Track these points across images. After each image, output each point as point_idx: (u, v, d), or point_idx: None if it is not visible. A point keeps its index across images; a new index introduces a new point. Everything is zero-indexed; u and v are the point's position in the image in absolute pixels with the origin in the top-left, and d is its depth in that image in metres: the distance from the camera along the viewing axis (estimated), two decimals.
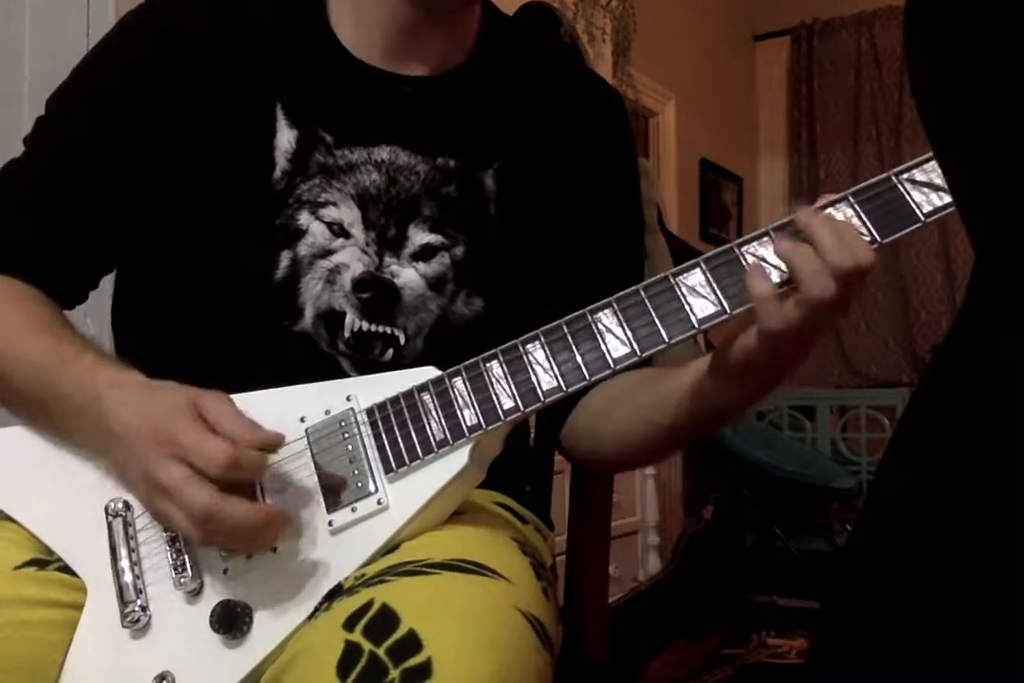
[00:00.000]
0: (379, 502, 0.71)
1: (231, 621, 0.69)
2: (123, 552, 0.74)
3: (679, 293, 0.67)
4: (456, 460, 0.70)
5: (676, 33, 4.10)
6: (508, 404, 0.70)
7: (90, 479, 0.78)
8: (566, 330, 0.70)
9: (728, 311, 0.67)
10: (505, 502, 0.89)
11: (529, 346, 0.70)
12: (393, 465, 0.71)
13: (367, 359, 0.85)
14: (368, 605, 0.62)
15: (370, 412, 0.73)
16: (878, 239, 0.65)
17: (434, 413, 0.71)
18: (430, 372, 0.73)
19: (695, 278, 0.68)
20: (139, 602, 0.72)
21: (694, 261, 0.68)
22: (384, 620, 0.61)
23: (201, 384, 0.74)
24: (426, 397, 0.72)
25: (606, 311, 0.69)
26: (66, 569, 0.76)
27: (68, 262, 0.88)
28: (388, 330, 0.85)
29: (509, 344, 0.71)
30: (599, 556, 1.04)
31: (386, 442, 0.72)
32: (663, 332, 0.67)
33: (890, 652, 0.47)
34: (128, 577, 0.73)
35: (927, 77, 0.44)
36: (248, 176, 0.85)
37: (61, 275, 0.88)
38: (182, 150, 0.85)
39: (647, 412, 0.81)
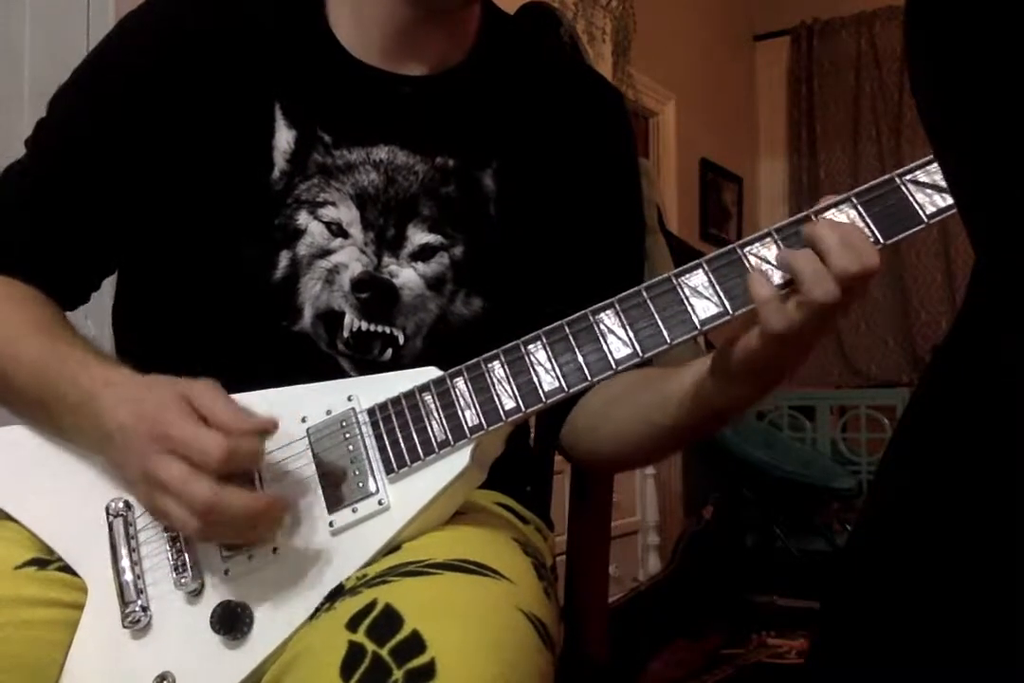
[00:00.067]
0: (380, 502, 0.71)
1: (232, 621, 0.69)
2: (123, 552, 0.74)
3: (681, 294, 0.67)
4: (457, 461, 0.70)
5: (676, 33, 4.10)
6: (510, 404, 0.70)
7: (91, 479, 0.78)
8: (568, 330, 0.70)
9: (730, 312, 0.66)
10: (506, 502, 0.89)
11: (531, 346, 0.70)
12: (394, 465, 0.71)
13: (366, 359, 0.85)
14: (372, 605, 0.62)
15: (371, 412, 0.73)
16: (881, 240, 0.65)
17: (435, 413, 0.71)
18: (431, 372, 0.73)
19: (697, 279, 0.68)
20: (140, 602, 0.72)
21: (696, 262, 0.68)
22: (388, 621, 0.61)
23: None
24: (427, 397, 0.72)
25: (608, 312, 0.69)
26: (67, 569, 0.76)
27: (69, 263, 0.88)
28: (387, 330, 0.85)
29: (511, 344, 0.71)
30: (599, 556, 1.04)
31: (387, 442, 0.72)
32: (665, 333, 0.67)
33: (890, 652, 0.48)
34: (129, 577, 0.73)
35: (927, 77, 0.45)
36: (247, 176, 0.85)
37: (62, 276, 0.88)
38: (181, 150, 0.85)
39: (647, 412, 0.81)
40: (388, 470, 0.71)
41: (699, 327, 0.67)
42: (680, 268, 0.68)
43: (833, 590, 0.54)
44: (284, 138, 0.86)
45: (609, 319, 0.69)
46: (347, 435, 0.73)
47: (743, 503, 3.60)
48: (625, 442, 0.85)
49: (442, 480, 0.70)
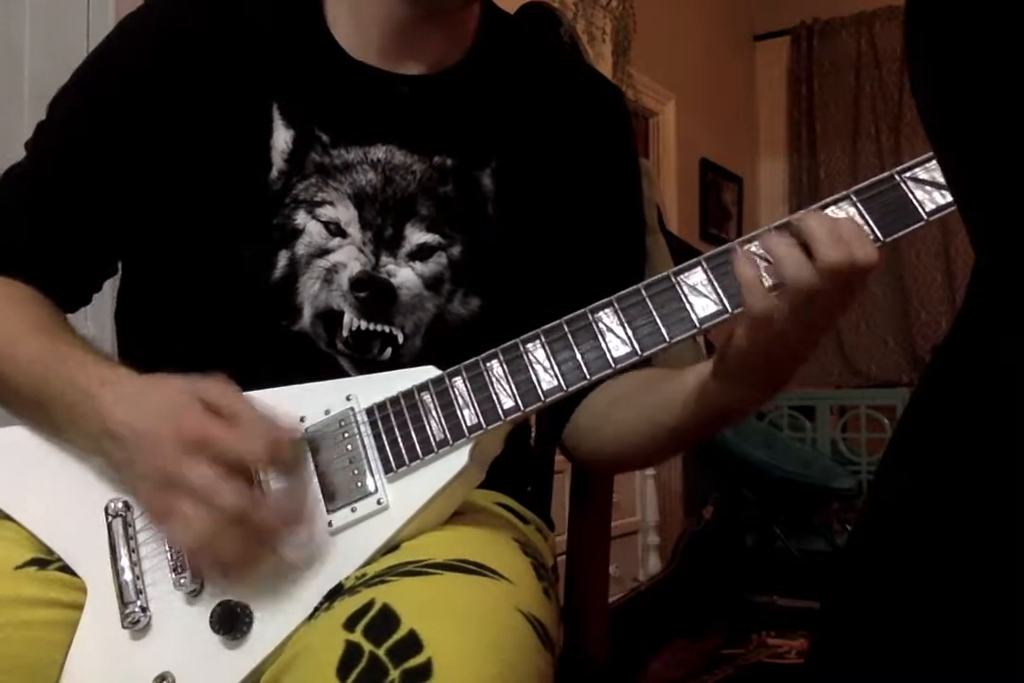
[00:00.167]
0: (379, 502, 0.71)
1: (231, 621, 0.69)
2: (123, 552, 0.74)
3: (680, 292, 0.67)
4: (456, 460, 0.70)
5: (676, 33, 4.10)
6: (508, 404, 0.70)
7: (90, 479, 0.78)
8: (567, 329, 0.70)
9: (729, 310, 0.66)
10: (506, 502, 0.89)
11: (529, 345, 0.70)
12: (393, 465, 0.71)
13: (366, 358, 0.85)
14: (369, 605, 0.62)
15: (370, 412, 0.73)
16: (880, 238, 0.65)
17: (434, 413, 0.71)
18: (430, 371, 0.73)
19: (696, 277, 0.67)
20: (139, 602, 0.72)
21: (695, 260, 0.68)
22: (385, 620, 0.61)
23: None
24: (426, 397, 0.72)
25: (607, 310, 0.69)
26: (66, 569, 0.76)
27: (69, 264, 0.88)
28: (386, 329, 0.85)
29: (509, 343, 0.71)
30: (599, 556, 1.04)
31: (386, 442, 0.72)
32: (664, 331, 0.67)
33: (890, 652, 0.47)
34: (128, 577, 0.73)
35: (927, 77, 0.44)
36: (245, 176, 0.85)
37: (62, 277, 0.88)
38: (180, 150, 0.85)
39: (651, 413, 0.80)
40: (387, 470, 0.71)
41: (698, 325, 0.67)
42: (679, 266, 0.68)
43: (833, 590, 0.54)
44: (282, 138, 0.86)
45: (608, 318, 0.69)
46: (346, 434, 0.73)
47: (743, 503, 3.60)
48: (628, 443, 0.85)
49: (441, 479, 0.70)
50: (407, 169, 0.86)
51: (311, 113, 0.86)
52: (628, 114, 1.01)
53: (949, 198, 0.63)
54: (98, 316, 0.97)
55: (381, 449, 0.72)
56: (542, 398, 0.69)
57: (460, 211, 0.87)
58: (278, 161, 0.85)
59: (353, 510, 0.71)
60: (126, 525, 0.75)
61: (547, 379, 0.69)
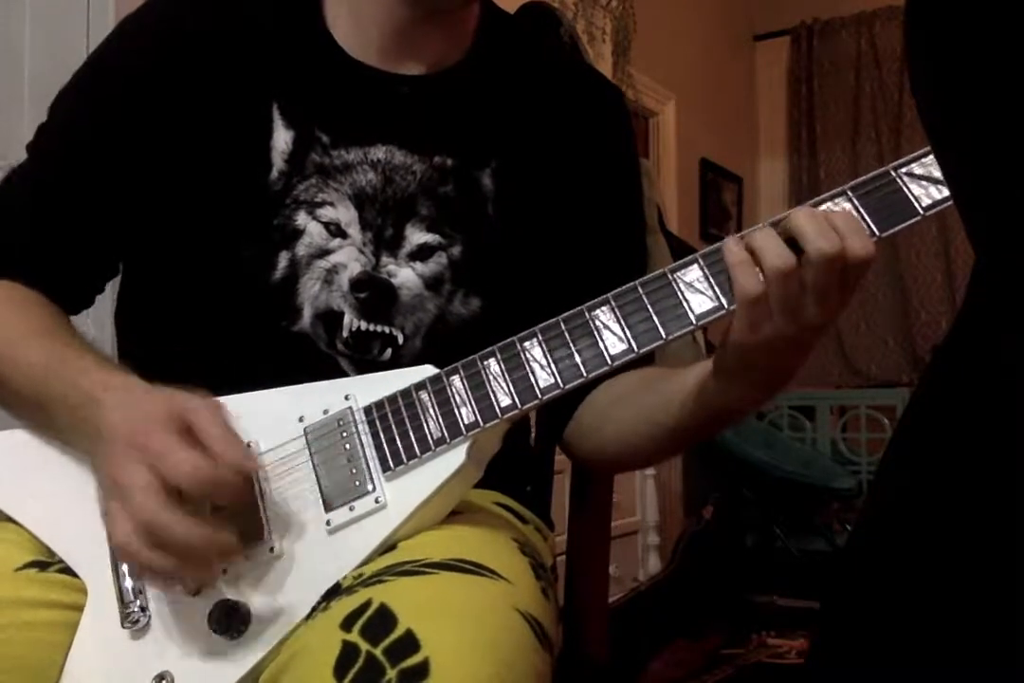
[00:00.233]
0: (377, 501, 0.71)
1: (229, 621, 0.69)
2: None
3: (676, 289, 0.67)
4: (453, 458, 0.70)
5: (676, 33, 4.10)
6: (505, 402, 0.69)
7: (90, 481, 0.77)
8: (563, 327, 0.69)
9: (726, 306, 0.66)
10: (505, 502, 0.89)
11: (527, 344, 0.70)
12: (391, 464, 0.71)
13: (366, 359, 0.85)
14: (366, 605, 0.62)
15: (368, 411, 0.73)
16: (876, 233, 0.65)
17: (432, 411, 0.71)
18: (428, 370, 0.73)
19: (692, 274, 0.67)
20: (139, 603, 0.72)
21: (691, 257, 0.68)
22: (382, 620, 0.61)
23: (203, 385, 0.73)
24: (424, 395, 0.72)
25: (603, 308, 0.69)
26: (67, 570, 0.76)
27: (72, 267, 0.88)
28: (386, 330, 0.85)
29: (506, 341, 0.71)
30: (599, 556, 1.04)
31: (384, 441, 0.72)
32: (661, 328, 0.67)
33: (890, 652, 0.47)
34: (128, 578, 0.73)
35: (927, 77, 0.44)
36: (245, 177, 0.85)
37: (65, 280, 0.88)
38: (180, 151, 0.85)
39: (650, 412, 0.80)
40: (385, 468, 0.71)
41: (695, 322, 0.67)
42: (675, 263, 0.68)
43: (833, 590, 0.54)
44: (282, 138, 0.86)
45: (604, 315, 0.69)
46: (344, 434, 0.73)
47: (743, 503, 3.60)
48: (627, 443, 0.85)
49: (439, 478, 0.70)
50: (407, 169, 0.86)
51: (311, 114, 0.86)
52: (628, 114, 1.01)
53: (945, 193, 0.63)
54: (98, 316, 0.97)
55: (379, 448, 0.72)
56: (539, 396, 0.69)
57: (460, 211, 0.87)
58: (278, 162, 0.85)
59: (351, 509, 0.71)
60: None
61: (544, 377, 0.69)
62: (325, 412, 0.74)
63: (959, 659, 0.45)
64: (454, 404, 0.71)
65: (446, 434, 0.70)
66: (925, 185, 0.64)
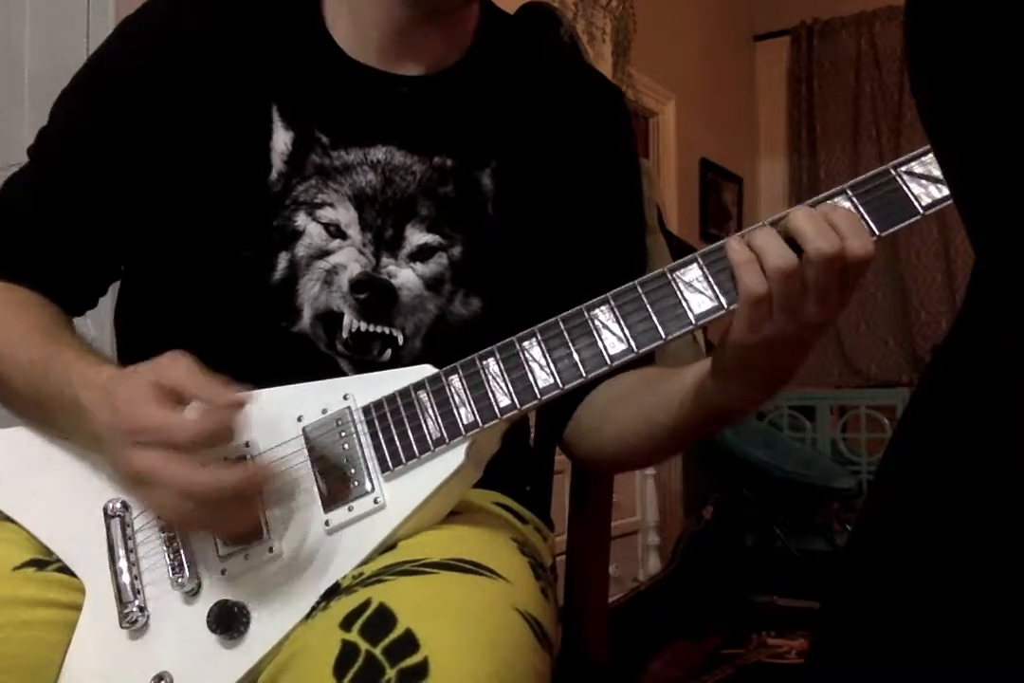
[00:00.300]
0: (376, 501, 0.70)
1: (228, 621, 0.69)
2: (121, 553, 0.74)
3: (676, 289, 0.67)
4: (452, 459, 0.70)
5: (676, 33, 4.10)
6: (504, 402, 0.69)
7: (89, 480, 0.78)
8: (563, 327, 0.69)
9: (725, 306, 0.66)
10: (505, 502, 0.89)
11: (526, 343, 0.70)
12: (390, 464, 0.71)
13: (365, 360, 0.85)
14: (365, 604, 0.62)
15: (367, 410, 0.73)
16: (876, 232, 0.65)
17: (430, 411, 0.71)
18: (427, 370, 0.73)
19: (692, 273, 0.67)
20: (137, 602, 0.72)
21: (691, 256, 0.68)
22: (381, 620, 0.61)
23: None
24: (423, 395, 0.72)
25: (603, 308, 0.69)
26: (65, 569, 0.76)
27: (74, 269, 0.88)
28: (386, 330, 0.85)
29: (505, 341, 0.71)
30: (599, 556, 1.04)
31: (383, 441, 0.72)
32: (660, 328, 0.67)
33: (890, 652, 0.47)
34: (126, 578, 0.73)
35: (927, 77, 0.44)
36: (245, 178, 0.85)
37: (67, 282, 0.88)
38: (180, 152, 0.85)
39: (649, 412, 0.80)
40: (384, 468, 0.71)
41: (694, 322, 0.67)
42: (674, 263, 0.68)
43: (833, 590, 0.54)
44: (281, 139, 0.86)
45: (604, 315, 0.69)
46: (343, 433, 0.73)
47: (743, 503, 3.60)
48: (627, 443, 0.85)
49: (438, 478, 0.70)
50: (407, 170, 0.86)
51: (311, 114, 0.86)
52: (628, 114, 1.01)
53: (945, 192, 0.63)
54: (98, 317, 0.97)
55: (378, 448, 0.72)
56: (538, 396, 0.69)
57: (460, 211, 0.87)
58: (278, 163, 0.85)
59: (350, 509, 0.71)
60: (124, 525, 0.75)
61: (543, 377, 0.69)
62: (324, 412, 0.74)
63: (959, 659, 0.45)
64: (453, 404, 0.70)
65: (445, 434, 0.70)
66: (925, 184, 0.64)
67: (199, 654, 0.69)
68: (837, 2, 4.78)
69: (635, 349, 0.68)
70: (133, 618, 0.71)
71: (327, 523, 0.71)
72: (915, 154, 0.64)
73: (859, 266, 0.64)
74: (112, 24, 0.92)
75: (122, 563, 0.73)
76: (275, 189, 0.85)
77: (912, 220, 0.64)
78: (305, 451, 0.73)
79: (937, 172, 0.63)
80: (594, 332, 0.69)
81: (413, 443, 0.71)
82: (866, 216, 0.65)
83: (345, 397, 0.74)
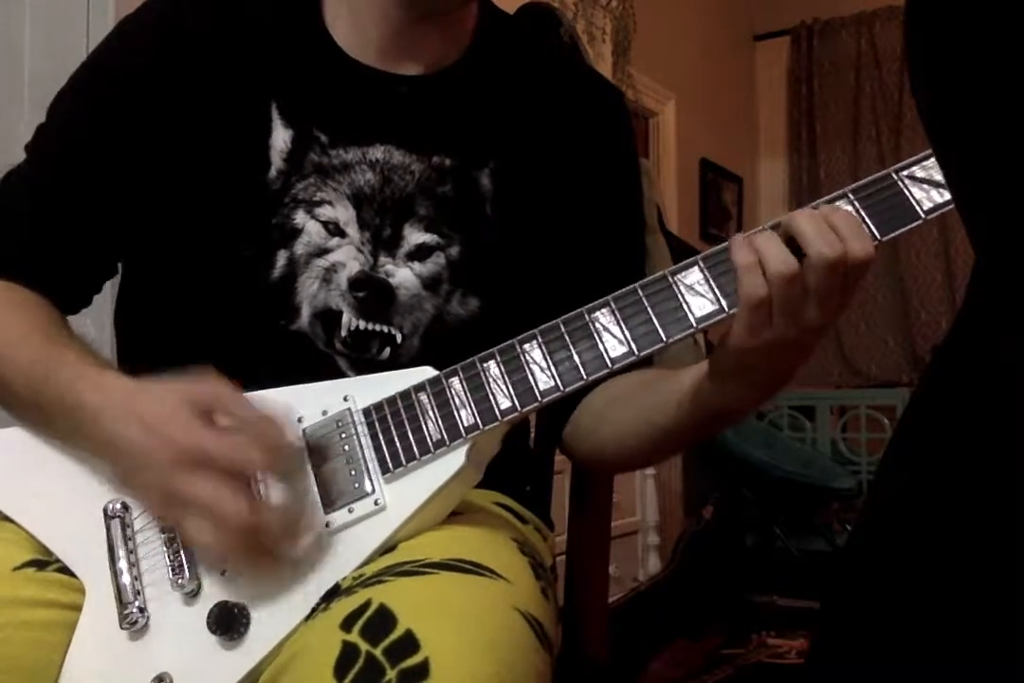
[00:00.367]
0: (376, 503, 0.70)
1: (228, 622, 0.69)
2: (121, 553, 0.74)
3: (677, 291, 0.67)
4: (453, 461, 0.70)
5: (676, 33, 4.10)
6: (505, 404, 0.69)
7: (88, 480, 0.78)
8: (563, 329, 0.69)
9: (726, 309, 0.66)
10: (505, 502, 0.89)
11: (526, 346, 0.70)
12: (390, 465, 0.71)
13: (364, 358, 0.85)
14: (366, 605, 0.62)
15: (367, 412, 0.73)
16: (878, 236, 0.65)
17: (431, 413, 0.71)
18: (427, 372, 0.73)
19: (693, 276, 0.67)
20: (137, 603, 0.72)
21: (692, 259, 0.68)
22: (381, 620, 0.61)
23: None
24: (423, 397, 0.72)
25: (603, 310, 0.69)
26: (65, 570, 0.76)
27: (70, 267, 0.88)
28: (385, 329, 0.85)
29: (506, 344, 0.71)
30: (599, 556, 1.04)
31: (383, 442, 0.72)
32: (661, 331, 0.67)
33: (890, 652, 0.47)
34: (126, 578, 0.73)
35: (927, 77, 0.44)
36: (244, 176, 0.85)
37: (63, 280, 0.88)
38: (179, 151, 0.85)
39: (648, 413, 0.80)
40: (384, 470, 0.71)
41: (695, 325, 0.67)
42: (676, 266, 0.68)
43: (833, 590, 0.53)
44: (281, 137, 0.86)
45: (604, 317, 0.69)
46: (343, 435, 0.73)
47: (743, 503, 3.60)
48: (625, 444, 0.85)
49: (438, 480, 0.70)
50: (405, 169, 0.86)
51: (310, 113, 0.86)
52: (628, 114, 1.01)
53: (947, 196, 0.63)
54: (98, 317, 0.97)
55: (378, 450, 0.72)
56: (539, 398, 0.69)
57: (458, 211, 0.87)
58: (277, 161, 0.85)
59: (351, 511, 0.71)
60: (124, 526, 0.75)
61: (544, 379, 0.69)
62: (324, 413, 0.74)
63: (959, 659, 0.45)
64: (453, 406, 0.70)
65: (445, 436, 0.70)
66: (927, 188, 0.64)
67: (199, 655, 0.69)
68: (837, 2, 4.78)
69: (636, 352, 0.67)
70: (133, 619, 0.71)
71: (328, 524, 0.71)
72: (917, 158, 0.64)
73: (859, 269, 0.64)
74: (112, 24, 0.92)
75: (122, 564, 0.73)
76: (274, 187, 0.85)
77: (914, 224, 0.64)
78: (306, 453, 0.73)
79: (939, 177, 0.63)
80: (595, 334, 0.69)
81: (414, 445, 0.71)
82: (867, 220, 0.65)
83: (345, 398, 0.74)
